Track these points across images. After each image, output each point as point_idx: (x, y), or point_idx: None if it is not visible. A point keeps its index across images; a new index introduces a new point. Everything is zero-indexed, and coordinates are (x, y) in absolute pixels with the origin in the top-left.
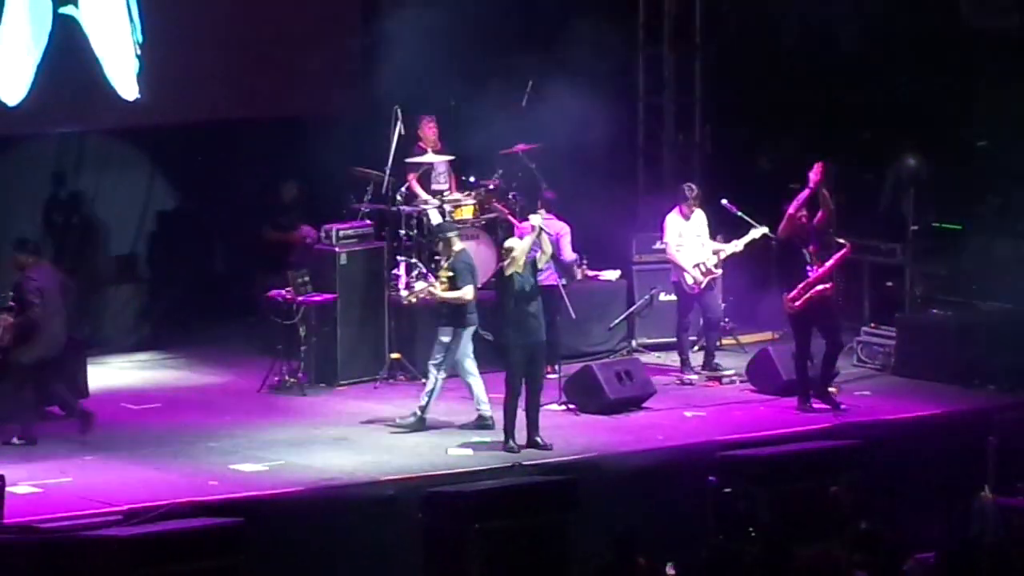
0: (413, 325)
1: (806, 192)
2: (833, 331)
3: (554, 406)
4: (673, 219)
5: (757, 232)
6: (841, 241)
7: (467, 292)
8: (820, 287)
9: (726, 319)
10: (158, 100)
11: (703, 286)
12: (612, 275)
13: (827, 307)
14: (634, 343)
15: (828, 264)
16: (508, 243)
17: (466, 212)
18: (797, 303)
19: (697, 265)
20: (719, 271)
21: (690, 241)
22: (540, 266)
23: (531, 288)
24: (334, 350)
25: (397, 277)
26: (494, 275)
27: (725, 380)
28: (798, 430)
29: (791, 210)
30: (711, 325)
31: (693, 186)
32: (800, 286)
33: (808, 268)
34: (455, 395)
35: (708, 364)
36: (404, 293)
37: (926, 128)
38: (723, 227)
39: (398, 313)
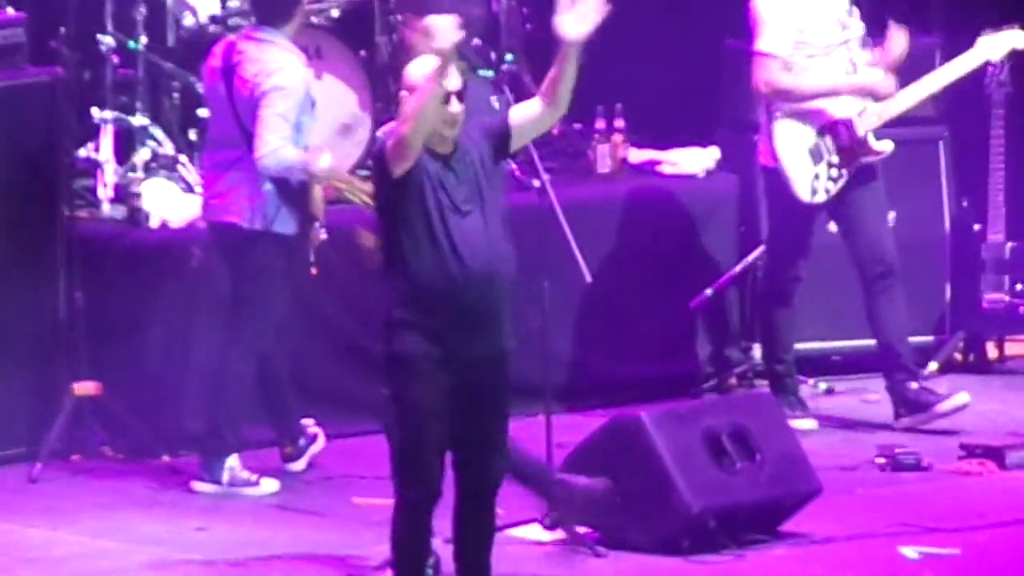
0: (147, 291)
1: None
2: None
3: (535, 531)
4: None
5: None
6: None
7: None
8: None
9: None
10: None
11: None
12: (702, 161)
13: None
14: (758, 351)
15: None
16: (423, 69)
17: None
18: None
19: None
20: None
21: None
22: (516, 147)
23: (473, 206)
24: None
25: (97, 171)
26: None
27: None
28: None
29: None
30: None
31: None
32: None
33: None
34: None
35: (905, 396)
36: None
37: None
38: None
39: (95, 260)
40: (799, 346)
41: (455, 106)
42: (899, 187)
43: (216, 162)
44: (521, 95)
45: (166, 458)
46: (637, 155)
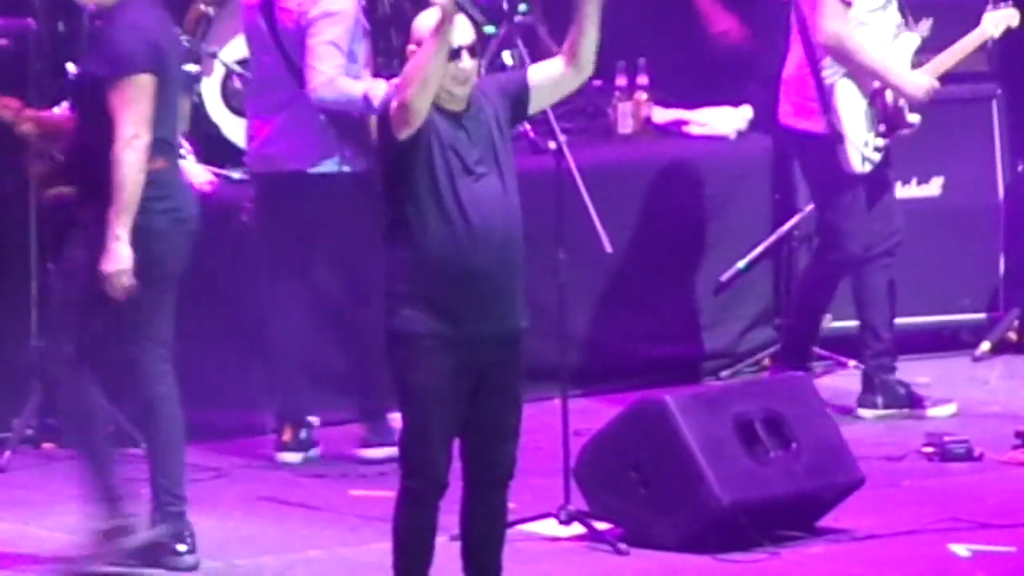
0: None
1: None
2: None
3: (550, 526)
4: None
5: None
6: None
7: None
8: None
9: None
10: None
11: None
12: (733, 121)
13: None
14: None
15: None
16: (432, 21)
17: None
18: None
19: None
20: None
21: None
22: (535, 109)
23: (487, 168)
24: None
25: None
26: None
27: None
28: None
29: None
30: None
31: None
32: None
33: None
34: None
35: (873, 381)
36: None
37: None
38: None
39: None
40: (838, 324)
41: (467, 61)
42: (948, 150)
43: (263, 106)
44: (536, 49)
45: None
46: (662, 114)
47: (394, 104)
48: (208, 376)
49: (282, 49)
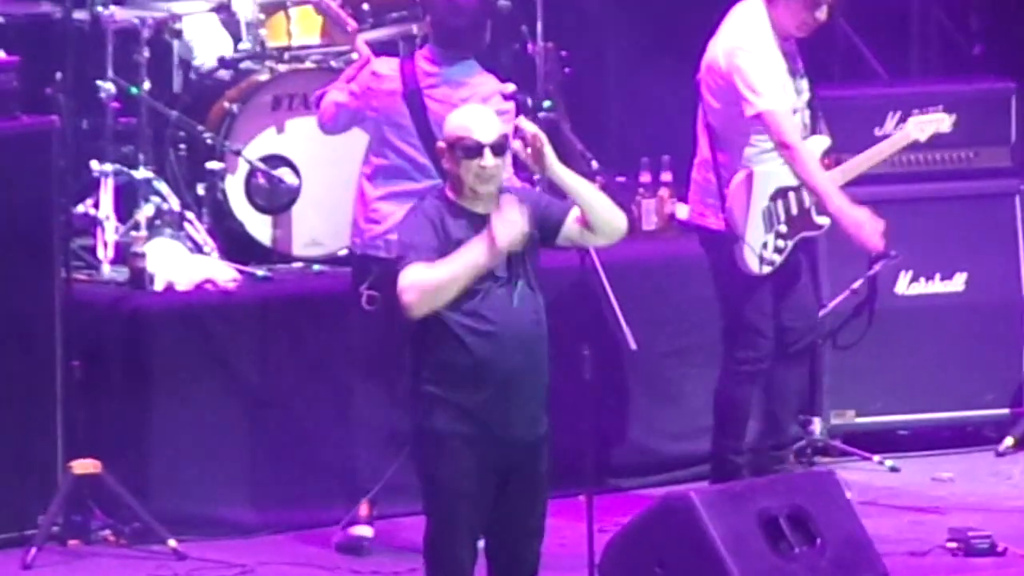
0: (151, 360)
1: None
2: None
3: None
4: None
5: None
6: None
7: None
8: None
9: None
10: None
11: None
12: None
13: None
14: (817, 426)
15: None
16: (459, 118)
17: (305, 28)
18: None
19: None
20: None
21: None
22: (562, 244)
23: (511, 274)
24: None
25: (96, 229)
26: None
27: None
28: None
29: None
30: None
31: None
32: None
33: None
34: None
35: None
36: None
37: None
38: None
39: (94, 326)
40: (862, 420)
41: (489, 159)
42: (971, 246)
43: (395, 193)
44: (559, 144)
45: (173, 543)
46: (685, 211)
47: (405, 289)
48: (239, 473)
49: (430, 139)
